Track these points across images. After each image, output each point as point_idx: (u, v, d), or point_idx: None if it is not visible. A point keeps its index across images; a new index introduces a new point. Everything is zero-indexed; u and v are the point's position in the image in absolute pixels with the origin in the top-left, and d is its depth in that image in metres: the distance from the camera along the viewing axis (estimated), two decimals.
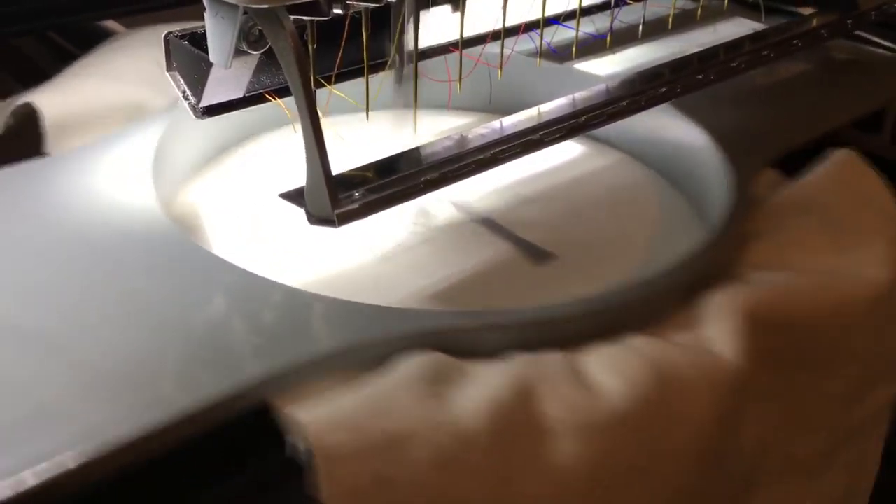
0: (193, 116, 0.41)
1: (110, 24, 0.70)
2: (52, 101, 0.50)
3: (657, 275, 0.39)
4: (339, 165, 0.38)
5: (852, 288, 0.41)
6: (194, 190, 0.50)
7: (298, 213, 0.47)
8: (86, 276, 0.38)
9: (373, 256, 0.45)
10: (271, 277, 0.38)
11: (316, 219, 0.37)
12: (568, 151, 0.54)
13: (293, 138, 0.54)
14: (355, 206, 0.36)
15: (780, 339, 0.39)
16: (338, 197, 0.36)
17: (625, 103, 0.45)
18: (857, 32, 0.63)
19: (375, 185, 0.38)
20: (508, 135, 0.42)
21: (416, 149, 0.42)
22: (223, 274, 0.38)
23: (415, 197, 0.39)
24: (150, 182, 0.43)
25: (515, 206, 0.50)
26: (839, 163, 0.48)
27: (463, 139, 0.42)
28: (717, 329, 0.37)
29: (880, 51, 0.65)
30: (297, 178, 0.50)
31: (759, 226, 0.44)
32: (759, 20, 0.68)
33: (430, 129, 0.54)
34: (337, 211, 0.36)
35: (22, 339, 0.34)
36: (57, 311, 0.36)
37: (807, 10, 0.66)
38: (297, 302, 0.37)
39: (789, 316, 0.39)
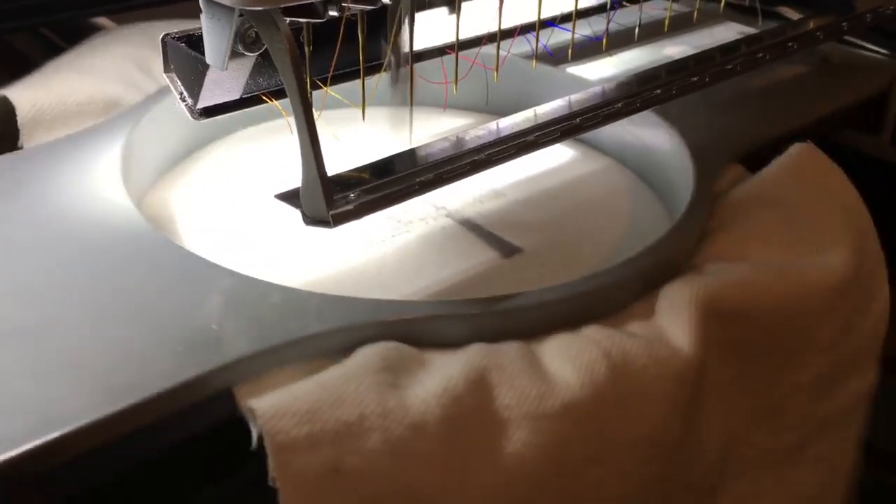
0: (191, 118, 0.41)
1: (102, 20, 0.70)
2: (26, 95, 0.50)
3: (614, 267, 0.40)
4: (334, 166, 0.38)
5: (812, 277, 0.41)
6: (167, 185, 0.51)
7: (272, 210, 0.47)
8: (54, 269, 0.38)
9: (345, 252, 0.45)
10: (240, 271, 0.39)
11: (311, 220, 0.37)
12: (552, 153, 0.55)
13: (269, 134, 0.55)
14: (350, 207, 0.36)
15: (738, 330, 0.39)
16: (333, 198, 0.36)
17: (620, 105, 0.45)
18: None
19: (371, 186, 0.38)
20: (503, 136, 0.42)
21: (412, 150, 0.42)
22: (186, 264, 0.39)
23: (410, 198, 0.39)
24: (118, 177, 0.44)
25: (494, 206, 0.50)
26: (797, 155, 0.48)
27: (458, 140, 0.42)
28: (671, 319, 0.38)
29: (863, 52, 0.65)
30: (274, 173, 0.51)
31: (720, 220, 0.45)
32: (748, 24, 0.68)
33: (426, 130, 0.54)
34: (332, 212, 0.36)
35: None
36: (23, 302, 0.36)
37: (793, 15, 0.67)
38: (256, 291, 0.37)
39: (747, 306, 0.39)
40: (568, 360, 0.35)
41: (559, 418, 0.34)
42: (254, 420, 0.31)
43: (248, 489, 0.34)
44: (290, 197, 0.38)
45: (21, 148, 0.49)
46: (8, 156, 0.47)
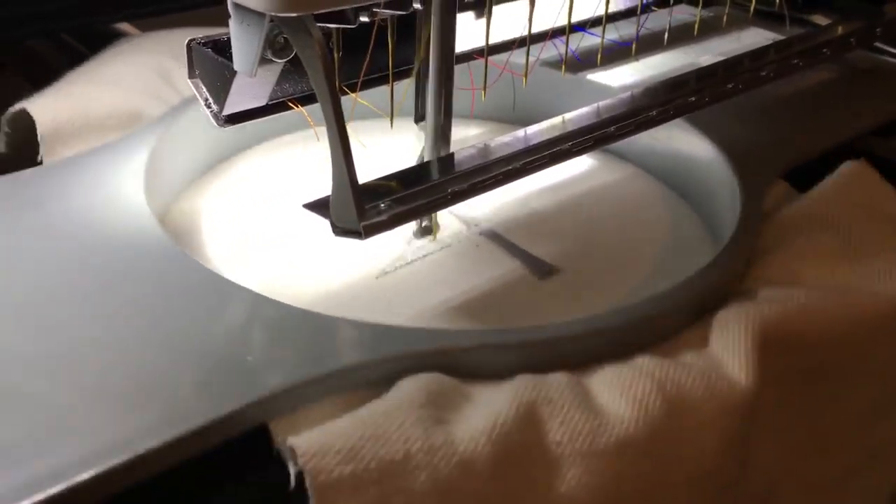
0: (215, 125, 0.40)
1: (124, 26, 0.70)
2: (46, 108, 0.49)
3: (665, 292, 0.38)
4: (361, 174, 0.37)
5: (867, 303, 0.40)
6: (191, 200, 0.50)
7: (298, 225, 0.47)
8: (73, 291, 0.37)
9: (374, 272, 0.44)
10: (267, 292, 0.37)
11: (341, 230, 0.36)
12: (574, 162, 0.53)
13: (289, 146, 0.55)
14: (383, 217, 0.36)
15: (792, 359, 0.38)
16: (364, 208, 0.36)
17: (654, 113, 0.44)
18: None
19: (401, 196, 0.37)
20: (536, 144, 0.41)
21: (442, 158, 0.42)
22: (216, 289, 0.37)
23: (442, 208, 0.38)
24: (142, 194, 0.43)
25: (521, 218, 0.49)
26: (850, 174, 0.47)
27: (488, 149, 0.41)
28: (727, 349, 0.36)
29: (889, 59, 0.64)
30: (299, 184, 0.51)
31: (769, 240, 0.43)
32: (775, 31, 0.67)
33: (453, 138, 0.53)
34: (363, 223, 0.35)
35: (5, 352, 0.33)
36: (46, 324, 0.35)
37: (822, 21, 0.66)
38: (292, 320, 0.36)
39: (802, 333, 0.38)
40: (620, 392, 0.34)
41: (613, 456, 0.32)
42: (293, 459, 0.30)
43: None
44: (319, 206, 0.37)
45: (41, 163, 0.48)
46: (28, 171, 0.45)
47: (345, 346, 0.34)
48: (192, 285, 0.38)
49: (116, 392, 0.32)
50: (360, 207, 0.35)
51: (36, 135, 0.48)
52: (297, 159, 0.54)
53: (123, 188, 0.43)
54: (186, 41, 0.40)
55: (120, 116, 0.51)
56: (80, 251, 0.39)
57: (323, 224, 0.46)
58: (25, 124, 0.49)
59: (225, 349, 0.34)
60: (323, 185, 0.50)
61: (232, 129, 0.42)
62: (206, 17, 0.59)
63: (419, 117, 0.45)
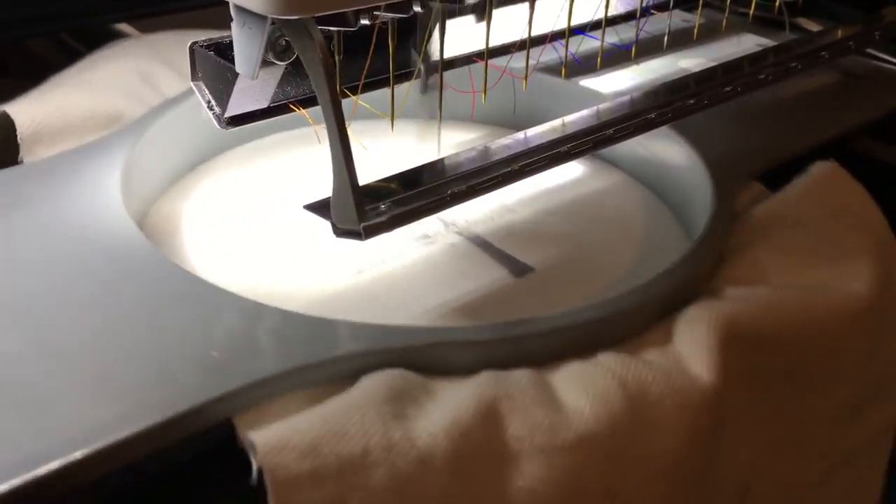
0: (218, 127, 0.41)
1: (124, 26, 0.70)
2: (26, 110, 0.49)
3: (631, 290, 0.39)
4: (361, 175, 0.37)
5: (835, 303, 0.40)
6: (171, 200, 0.50)
7: (274, 224, 0.47)
8: (48, 288, 0.37)
9: (351, 272, 0.44)
10: (241, 290, 0.38)
11: (341, 231, 0.37)
12: (562, 168, 0.52)
13: (278, 147, 0.55)
14: (383, 219, 0.36)
15: (759, 357, 0.38)
16: (365, 209, 0.36)
17: (653, 115, 0.44)
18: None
19: (402, 198, 0.38)
20: (535, 147, 0.41)
21: (441, 160, 0.42)
22: (185, 285, 0.38)
23: (442, 209, 0.38)
24: (119, 194, 0.43)
25: (498, 219, 0.49)
26: (820, 175, 0.47)
27: (488, 151, 0.42)
28: (690, 346, 0.36)
29: (881, 64, 0.64)
30: (282, 186, 0.51)
31: (739, 240, 0.43)
32: (767, 36, 0.67)
33: (452, 141, 0.53)
34: (364, 224, 0.36)
35: None
36: (13, 324, 0.35)
37: (812, 26, 0.66)
38: (257, 316, 0.36)
39: (768, 331, 0.38)
40: (582, 389, 0.34)
41: (573, 451, 0.32)
42: (254, 453, 0.30)
43: None
44: (319, 207, 0.38)
45: (21, 163, 0.48)
46: (7, 171, 0.46)
47: (309, 343, 0.35)
48: (162, 283, 0.38)
49: (77, 389, 0.32)
50: (360, 208, 0.36)
51: (16, 137, 0.48)
52: (277, 161, 0.54)
53: (101, 189, 0.44)
54: (189, 44, 0.40)
55: (100, 118, 0.51)
56: (54, 251, 0.40)
57: (300, 223, 0.47)
58: (5, 126, 0.49)
59: (192, 346, 0.34)
60: (303, 186, 0.50)
61: (212, 131, 0.42)
62: (206, 19, 0.59)
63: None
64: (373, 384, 0.33)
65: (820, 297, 0.40)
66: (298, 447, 0.30)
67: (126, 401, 0.32)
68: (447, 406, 0.32)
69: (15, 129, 0.48)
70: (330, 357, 0.34)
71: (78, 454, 0.29)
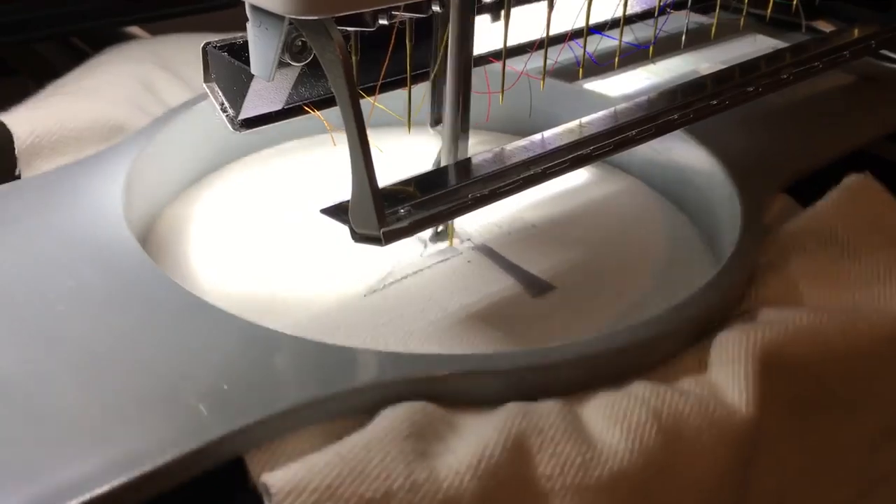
0: (231, 129, 0.40)
1: (134, 29, 0.69)
2: (23, 121, 0.48)
3: (663, 314, 0.37)
4: (378, 179, 0.36)
5: (873, 325, 0.38)
6: (174, 214, 0.48)
7: (282, 240, 0.46)
8: (48, 311, 0.36)
9: (362, 290, 0.43)
10: (248, 313, 0.36)
11: (360, 236, 0.36)
12: (572, 174, 0.51)
13: (282, 156, 0.54)
14: (403, 224, 0.35)
15: (795, 384, 0.36)
16: (384, 214, 0.35)
17: (676, 116, 0.43)
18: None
19: (421, 202, 0.37)
20: (555, 149, 0.41)
21: (460, 163, 0.41)
22: (191, 309, 0.36)
23: (463, 213, 0.38)
24: (120, 211, 0.42)
25: (515, 232, 0.48)
26: (854, 188, 0.45)
27: (506, 153, 0.41)
28: (726, 375, 0.35)
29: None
30: (287, 197, 0.50)
31: (771, 257, 0.42)
32: (777, 38, 0.66)
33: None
34: (384, 229, 0.35)
35: None
36: (11, 351, 0.34)
37: (828, 28, 0.65)
38: (270, 344, 0.34)
39: (806, 359, 0.36)
40: (614, 422, 0.32)
41: (606, 490, 0.31)
42: (268, 496, 0.28)
43: None
44: (336, 212, 0.37)
45: (19, 177, 0.47)
46: (4, 187, 0.44)
47: (326, 373, 0.33)
48: (166, 306, 0.36)
49: (77, 424, 0.30)
50: (380, 213, 0.35)
51: (13, 148, 0.47)
52: (280, 172, 0.53)
53: (102, 204, 0.42)
54: (202, 45, 0.39)
55: (100, 129, 0.50)
56: (55, 269, 0.38)
57: (308, 238, 0.46)
58: (2, 138, 0.47)
59: (200, 377, 0.33)
60: (306, 196, 0.49)
61: (213, 143, 0.40)
62: (214, 22, 0.58)
63: (435, 121, 0.45)
64: (393, 419, 0.31)
65: (858, 319, 0.38)
66: (317, 490, 0.28)
67: (129, 437, 0.30)
68: (473, 442, 0.31)
69: (12, 142, 0.47)
70: (348, 388, 0.32)
71: (72, 501, 0.27)
